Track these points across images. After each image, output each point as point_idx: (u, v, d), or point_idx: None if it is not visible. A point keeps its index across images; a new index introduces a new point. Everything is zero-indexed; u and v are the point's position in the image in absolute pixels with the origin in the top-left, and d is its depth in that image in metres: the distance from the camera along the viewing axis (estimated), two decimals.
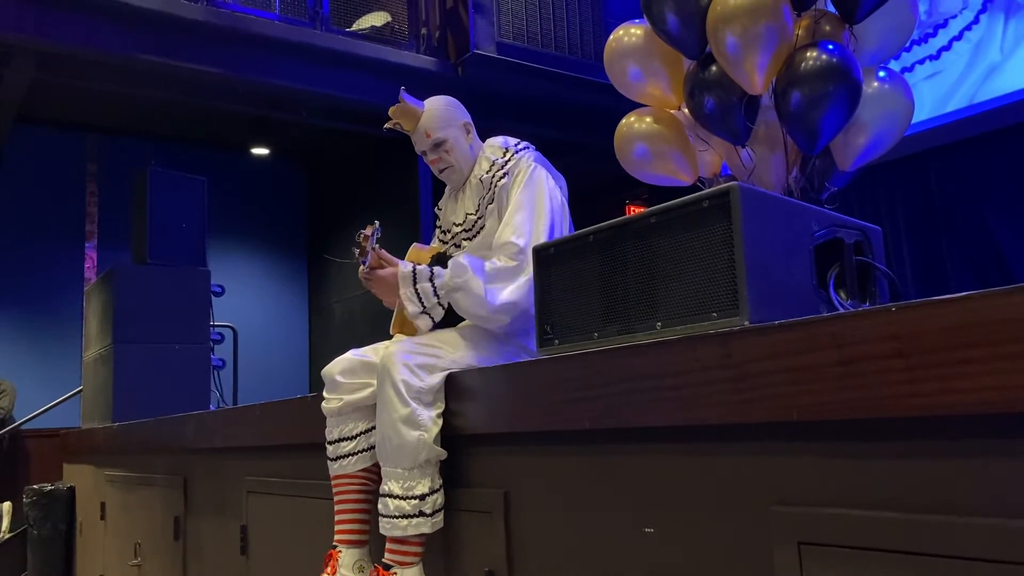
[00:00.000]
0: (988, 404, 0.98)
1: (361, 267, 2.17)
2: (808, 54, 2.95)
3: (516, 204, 2.18)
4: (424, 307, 2.10)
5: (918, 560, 1.05)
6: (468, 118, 2.38)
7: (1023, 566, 0.96)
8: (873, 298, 1.64)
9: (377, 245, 2.16)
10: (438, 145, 2.31)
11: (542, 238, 2.11)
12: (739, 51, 2.96)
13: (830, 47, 2.96)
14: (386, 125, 2.36)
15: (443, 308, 2.11)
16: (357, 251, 2.13)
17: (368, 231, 2.13)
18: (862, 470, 1.14)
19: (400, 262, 2.16)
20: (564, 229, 2.24)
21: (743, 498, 1.29)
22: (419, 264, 2.30)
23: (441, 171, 2.36)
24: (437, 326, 2.14)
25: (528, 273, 2.04)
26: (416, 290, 2.09)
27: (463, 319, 2.20)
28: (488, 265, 2.09)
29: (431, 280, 2.09)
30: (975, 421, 1.02)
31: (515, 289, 2.07)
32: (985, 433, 1.02)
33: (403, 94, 2.31)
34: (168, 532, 3.54)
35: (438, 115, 2.31)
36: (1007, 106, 5.04)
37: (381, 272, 2.16)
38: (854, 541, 1.12)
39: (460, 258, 2.10)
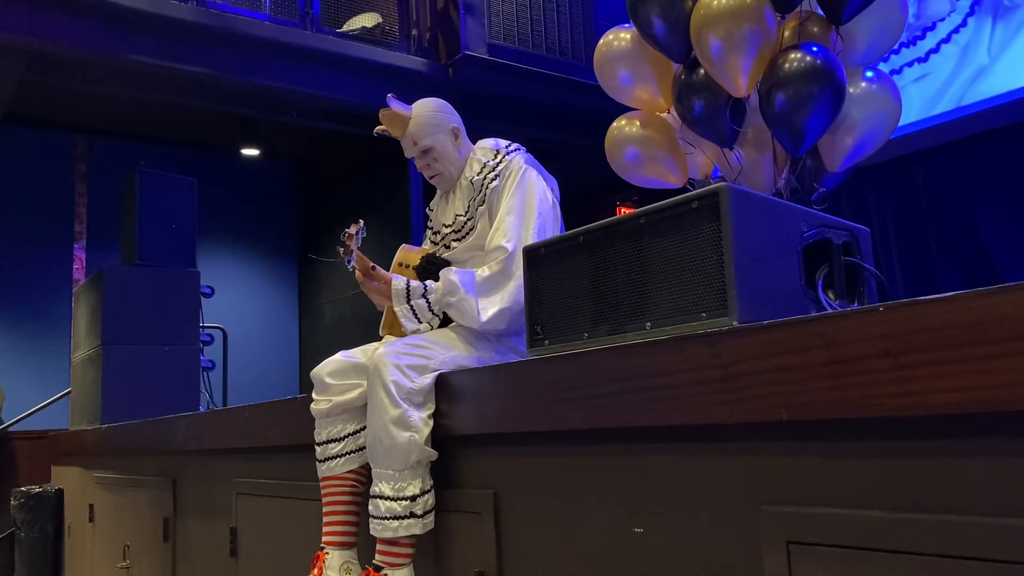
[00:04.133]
0: (975, 403, 0.99)
1: (353, 268, 2.17)
2: (791, 56, 2.96)
3: (507, 207, 2.19)
4: (420, 322, 2.14)
5: (907, 559, 1.06)
6: (456, 122, 2.37)
7: (1011, 564, 0.97)
8: (861, 298, 1.65)
9: (359, 245, 2.16)
10: (426, 152, 2.32)
11: (531, 240, 2.11)
12: (722, 54, 2.97)
13: (813, 49, 2.97)
14: (376, 130, 2.37)
15: (439, 319, 2.15)
16: (342, 250, 2.13)
17: (352, 230, 2.13)
18: (851, 469, 1.15)
19: (394, 277, 2.16)
20: (555, 230, 2.24)
21: (732, 498, 1.30)
22: (409, 265, 2.31)
23: (431, 177, 2.38)
24: None
25: (517, 277, 2.06)
26: (411, 306, 2.13)
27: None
28: (478, 276, 2.12)
29: (425, 296, 2.13)
30: (962, 420, 1.03)
31: (505, 297, 2.10)
32: (972, 432, 1.02)
33: (390, 99, 2.30)
34: (157, 534, 3.53)
35: (425, 122, 2.31)
36: (995, 108, 5.07)
37: (374, 285, 2.19)
38: (843, 540, 1.13)
39: (451, 275, 2.11)
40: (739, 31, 2.92)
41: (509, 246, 2.12)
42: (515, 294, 2.08)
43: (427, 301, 2.13)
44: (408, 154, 2.36)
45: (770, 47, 3.01)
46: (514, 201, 2.19)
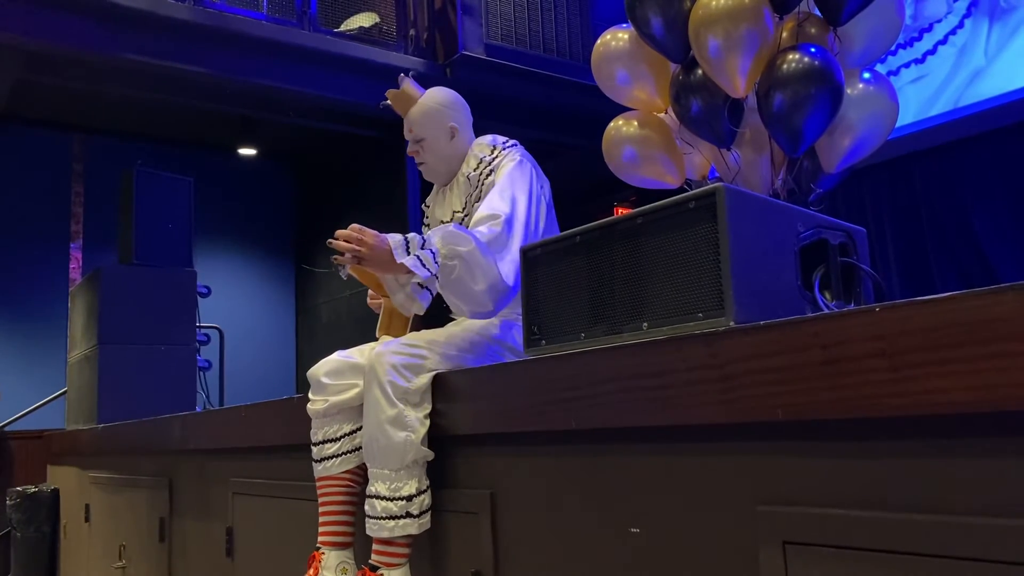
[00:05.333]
0: (971, 404, 0.99)
1: (348, 277, 2.11)
2: (789, 57, 2.96)
3: (500, 186, 2.18)
4: (431, 271, 1.88)
5: (903, 559, 1.06)
6: (457, 121, 2.36)
7: (1007, 564, 0.97)
8: (858, 299, 1.65)
9: None
10: (417, 141, 2.34)
11: (522, 214, 2.11)
12: (720, 55, 2.98)
13: (812, 50, 2.97)
14: (381, 103, 2.38)
15: (436, 278, 1.93)
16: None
17: None
18: (846, 469, 1.15)
19: (389, 236, 1.94)
20: (543, 221, 2.22)
21: (728, 498, 1.30)
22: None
23: (418, 164, 2.39)
24: (425, 325, 2.14)
25: (513, 248, 2.03)
26: (418, 256, 1.89)
27: (451, 319, 2.20)
28: (480, 236, 1.99)
29: (425, 247, 1.90)
30: (958, 420, 1.03)
31: (507, 268, 1.98)
32: (968, 432, 1.03)
33: (406, 77, 2.32)
34: (153, 534, 3.53)
35: (425, 113, 2.32)
36: (991, 110, 5.08)
37: (372, 243, 1.90)
38: (839, 540, 1.13)
39: (449, 227, 1.96)
40: (737, 31, 2.93)
41: (506, 209, 2.08)
42: (512, 269, 1.97)
43: (431, 252, 1.89)
44: (406, 135, 2.38)
45: (768, 48, 3.01)
46: (507, 180, 2.19)
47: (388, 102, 2.35)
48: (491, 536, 1.77)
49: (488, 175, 2.25)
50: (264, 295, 7.65)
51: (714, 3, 2.98)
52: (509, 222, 2.05)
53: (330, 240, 1.93)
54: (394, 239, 1.91)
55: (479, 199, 2.26)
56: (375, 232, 1.93)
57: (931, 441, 1.06)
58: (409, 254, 1.89)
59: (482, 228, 2.03)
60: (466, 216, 2.29)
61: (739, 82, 3.02)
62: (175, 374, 4.77)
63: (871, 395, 1.08)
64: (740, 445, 1.28)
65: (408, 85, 2.31)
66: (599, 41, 3.62)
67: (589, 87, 4.36)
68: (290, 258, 7.85)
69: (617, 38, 3.53)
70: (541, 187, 2.29)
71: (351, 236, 1.91)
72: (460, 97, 2.41)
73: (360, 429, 2.00)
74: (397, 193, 6.28)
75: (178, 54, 5.18)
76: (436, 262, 1.89)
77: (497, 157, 2.28)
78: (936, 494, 1.05)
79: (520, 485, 1.72)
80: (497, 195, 2.14)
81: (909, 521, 1.06)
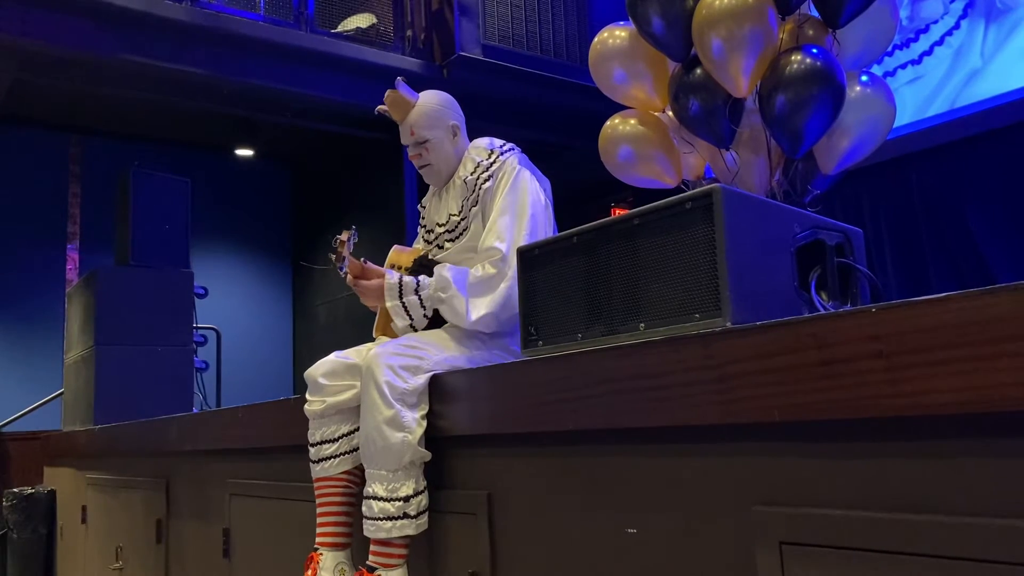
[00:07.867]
0: (967, 404, 0.99)
1: (346, 274, 2.17)
2: (792, 58, 2.96)
3: (500, 208, 2.19)
4: (411, 320, 2.15)
5: (899, 559, 1.06)
6: (458, 119, 2.38)
7: (1003, 565, 0.97)
8: (854, 299, 1.66)
9: (351, 251, 2.17)
10: (420, 143, 2.32)
11: (524, 242, 2.12)
12: (724, 54, 2.97)
13: (814, 51, 2.97)
14: (378, 109, 2.37)
15: (427, 319, 2.16)
16: (334, 256, 2.13)
17: (344, 236, 2.13)
18: (843, 470, 1.15)
19: (387, 272, 2.18)
20: (548, 232, 2.25)
21: (725, 498, 1.30)
22: (400, 267, 2.31)
23: (420, 167, 2.38)
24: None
25: (510, 279, 2.07)
26: (403, 303, 2.15)
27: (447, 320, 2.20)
28: (471, 275, 2.13)
29: (417, 292, 2.14)
30: (954, 421, 1.03)
31: (495, 299, 2.11)
32: (964, 433, 1.03)
33: (398, 83, 2.32)
34: (150, 535, 3.52)
35: (426, 114, 2.31)
36: (987, 111, 5.08)
37: (367, 283, 2.19)
38: (836, 541, 1.13)
39: (444, 271, 2.12)
40: (741, 31, 2.92)
41: (503, 247, 2.12)
42: (503, 298, 2.10)
43: (419, 297, 2.14)
44: (404, 141, 2.37)
45: (772, 48, 3.01)
46: (507, 202, 2.19)
47: (384, 108, 2.35)
48: (488, 537, 1.77)
49: (486, 180, 2.24)
50: (261, 296, 7.63)
51: (718, 2, 2.97)
52: (504, 259, 2.12)
53: (336, 237, 2.12)
54: (389, 282, 2.16)
55: (476, 203, 2.26)
56: (378, 272, 2.21)
57: (927, 441, 1.06)
58: (402, 298, 2.14)
59: (477, 268, 2.15)
60: (463, 219, 2.29)
61: (742, 82, 3.01)
62: (172, 375, 4.76)
63: (867, 396, 1.08)
64: (737, 446, 1.28)
65: (401, 90, 2.31)
66: (597, 39, 3.61)
67: (587, 88, 4.37)
68: (287, 259, 7.84)
69: (615, 36, 3.53)
70: (544, 190, 2.29)
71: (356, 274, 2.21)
72: (453, 98, 2.41)
73: (358, 430, 2.00)
74: (395, 194, 6.27)
75: (175, 55, 5.17)
76: (423, 306, 2.15)
77: (495, 163, 2.27)
78: (932, 494, 1.05)
79: (517, 486, 1.72)
80: (498, 222, 2.18)
81: (905, 521, 1.06)
